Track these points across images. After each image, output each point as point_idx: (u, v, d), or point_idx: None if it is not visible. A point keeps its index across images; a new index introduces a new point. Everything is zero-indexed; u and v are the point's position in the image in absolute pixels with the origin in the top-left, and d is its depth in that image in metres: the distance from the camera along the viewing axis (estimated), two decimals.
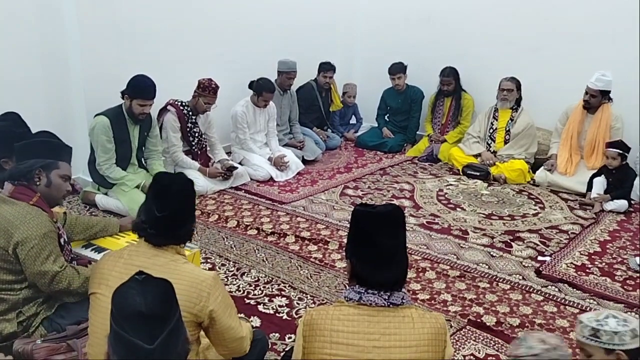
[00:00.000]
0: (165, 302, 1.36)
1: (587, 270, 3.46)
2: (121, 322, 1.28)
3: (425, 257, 3.59)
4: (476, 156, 5.35)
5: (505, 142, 5.29)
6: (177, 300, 1.40)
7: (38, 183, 2.36)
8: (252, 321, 2.84)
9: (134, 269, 1.77)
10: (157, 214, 1.86)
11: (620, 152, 4.42)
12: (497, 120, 5.35)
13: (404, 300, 1.71)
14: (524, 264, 3.54)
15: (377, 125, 6.33)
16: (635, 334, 1.75)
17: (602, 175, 4.55)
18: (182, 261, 1.92)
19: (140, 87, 3.97)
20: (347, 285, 1.82)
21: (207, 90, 4.54)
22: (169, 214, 1.87)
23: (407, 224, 4.00)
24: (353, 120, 6.66)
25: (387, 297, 1.69)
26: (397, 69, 5.87)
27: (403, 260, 1.75)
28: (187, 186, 1.96)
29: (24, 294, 2.33)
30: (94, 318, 1.87)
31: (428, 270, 3.42)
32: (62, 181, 2.43)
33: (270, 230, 3.91)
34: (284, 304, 3.01)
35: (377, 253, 1.70)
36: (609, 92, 4.69)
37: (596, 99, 4.72)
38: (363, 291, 1.70)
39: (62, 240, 2.45)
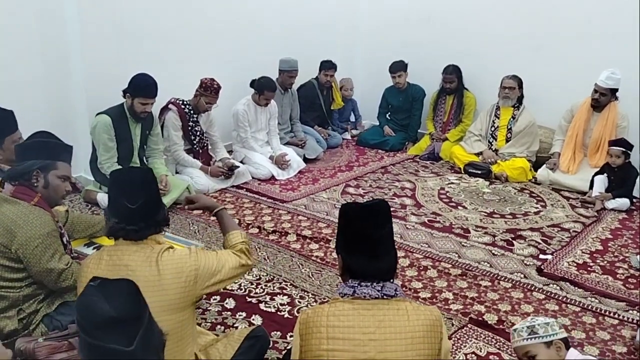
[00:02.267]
0: (135, 302, 1.32)
1: (589, 269, 3.46)
2: (93, 332, 1.23)
3: (427, 255, 3.59)
4: (478, 154, 5.34)
5: (507, 140, 5.28)
6: (143, 296, 1.36)
7: (36, 184, 2.36)
8: (253, 319, 2.84)
9: (116, 269, 1.82)
10: (131, 207, 1.84)
11: (624, 150, 4.42)
12: (498, 118, 5.34)
13: (397, 292, 1.74)
14: (525, 262, 3.53)
15: (378, 123, 6.33)
16: (559, 324, 2.01)
17: (604, 174, 4.55)
18: (162, 249, 1.90)
19: (142, 86, 3.97)
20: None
21: (209, 90, 4.54)
22: (142, 204, 1.85)
23: (408, 223, 4.06)
24: (353, 118, 6.65)
25: (380, 289, 1.72)
26: (398, 67, 5.87)
27: (391, 250, 1.79)
28: (147, 174, 1.94)
29: (25, 291, 2.34)
30: None
31: (429, 269, 3.41)
32: (61, 182, 2.42)
33: (271, 229, 3.91)
34: (286, 303, 3.01)
35: (365, 244, 1.74)
36: (617, 90, 4.68)
37: (606, 98, 4.69)
38: (356, 285, 1.73)
39: (64, 240, 2.46)
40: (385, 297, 1.71)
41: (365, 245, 1.74)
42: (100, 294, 1.28)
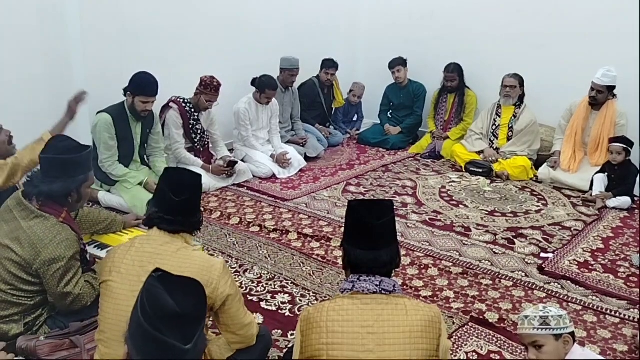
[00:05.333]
0: (200, 303, 1.36)
1: (590, 267, 3.46)
2: (156, 323, 1.26)
3: (428, 254, 3.59)
4: (479, 153, 5.34)
5: (508, 138, 5.28)
6: (206, 299, 1.40)
7: (70, 200, 2.38)
8: (255, 318, 2.84)
9: (146, 256, 1.89)
10: (175, 199, 1.94)
11: (625, 147, 4.41)
12: (500, 117, 5.34)
13: (395, 288, 1.76)
14: (526, 260, 3.53)
15: (379, 122, 6.33)
16: (570, 317, 1.99)
17: (604, 172, 4.54)
18: (191, 249, 1.99)
19: (143, 84, 3.97)
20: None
21: (208, 88, 4.53)
22: (186, 199, 1.96)
23: (409, 221, 4.06)
24: (355, 118, 6.65)
25: (378, 283, 1.75)
26: (396, 62, 5.89)
27: (392, 243, 1.82)
28: (197, 177, 2.06)
29: (36, 299, 2.35)
30: (106, 305, 1.91)
31: (430, 267, 3.41)
32: (88, 190, 2.49)
33: (272, 227, 3.91)
34: (287, 301, 3.02)
35: (365, 233, 1.78)
36: (614, 87, 4.67)
37: (603, 95, 4.69)
38: (356, 279, 1.77)
39: (87, 256, 2.50)
40: (383, 292, 1.74)
41: (365, 234, 1.78)
42: (163, 287, 1.32)
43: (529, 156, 5.16)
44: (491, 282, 3.26)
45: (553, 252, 3.64)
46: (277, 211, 4.24)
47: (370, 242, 1.78)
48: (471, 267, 3.44)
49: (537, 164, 5.15)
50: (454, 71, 5.64)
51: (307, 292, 3.11)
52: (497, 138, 5.34)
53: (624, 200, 4.36)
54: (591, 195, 4.50)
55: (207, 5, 5.06)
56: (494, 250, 3.67)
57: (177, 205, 1.94)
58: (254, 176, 4.94)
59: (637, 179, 4.48)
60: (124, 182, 4.09)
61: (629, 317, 2.92)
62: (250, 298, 3.03)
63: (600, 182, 4.52)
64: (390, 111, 6.28)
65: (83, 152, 2.40)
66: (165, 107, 4.56)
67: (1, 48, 3.91)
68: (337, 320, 1.69)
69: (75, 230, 2.39)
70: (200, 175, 2.09)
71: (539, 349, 1.94)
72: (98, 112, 4.04)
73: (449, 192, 4.73)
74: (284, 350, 2.51)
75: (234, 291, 1.97)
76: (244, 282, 3.19)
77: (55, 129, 3.13)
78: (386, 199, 1.92)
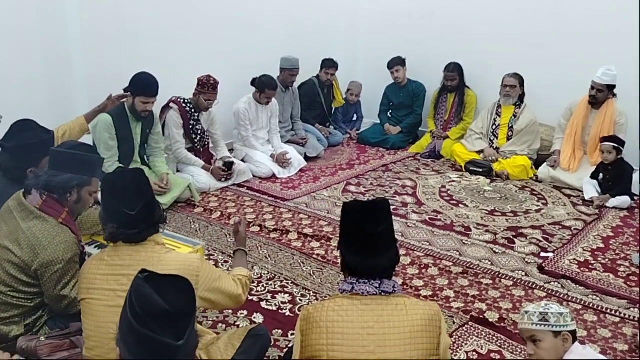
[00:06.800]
0: (188, 299, 1.36)
1: (590, 267, 3.46)
2: (148, 322, 1.26)
3: (428, 253, 3.59)
4: (479, 152, 5.34)
5: (508, 138, 5.28)
6: (195, 294, 1.41)
7: (69, 198, 2.35)
8: (254, 318, 2.85)
9: (118, 269, 1.84)
10: (131, 214, 1.83)
11: (615, 145, 4.40)
12: (500, 116, 5.34)
13: (395, 289, 1.75)
14: (526, 260, 3.53)
15: (379, 121, 6.33)
16: (572, 316, 1.99)
17: (599, 173, 4.55)
18: (163, 251, 1.93)
19: (143, 85, 3.97)
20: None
21: (206, 87, 4.53)
22: (141, 208, 1.86)
23: (409, 221, 4.06)
24: (355, 117, 6.65)
25: (378, 286, 1.73)
26: (395, 62, 5.89)
27: (390, 247, 1.79)
28: (140, 177, 1.93)
29: (36, 301, 2.35)
30: (88, 323, 1.89)
31: (431, 267, 3.42)
32: (90, 197, 2.45)
33: (272, 227, 3.91)
34: (287, 301, 3.02)
35: (363, 240, 1.75)
36: (614, 86, 4.67)
37: (603, 94, 4.69)
38: (355, 281, 1.75)
39: (86, 257, 2.47)
40: (383, 293, 1.73)
41: (363, 242, 1.75)
42: (150, 287, 1.32)
43: (529, 156, 5.16)
44: (491, 282, 3.26)
45: (553, 252, 3.64)
46: (277, 211, 4.24)
47: (368, 248, 1.74)
48: (471, 266, 3.44)
49: (537, 164, 5.15)
50: (454, 70, 5.64)
51: (307, 292, 3.11)
52: (497, 138, 5.34)
53: (624, 200, 4.36)
54: (590, 198, 4.50)
55: (207, 5, 5.06)
56: (494, 249, 3.68)
57: (135, 217, 1.84)
58: (254, 176, 4.95)
59: (635, 176, 4.47)
60: None
61: (629, 316, 2.92)
62: (250, 298, 3.02)
63: (591, 187, 4.53)
64: (390, 111, 6.28)
65: (92, 155, 2.43)
66: (166, 107, 4.57)
67: (1, 48, 3.91)
68: (337, 321, 1.69)
69: (75, 232, 2.38)
70: (140, 170, 1.97)
71: (536, 344, 1.95)
72: None
73: (449, 192, 4.73)
74: (284, 350, 2.51)
75: (211, 285, 1.94)
76: None
77: (88, 115, 3.57)
78: (382, 199, 1.87)
